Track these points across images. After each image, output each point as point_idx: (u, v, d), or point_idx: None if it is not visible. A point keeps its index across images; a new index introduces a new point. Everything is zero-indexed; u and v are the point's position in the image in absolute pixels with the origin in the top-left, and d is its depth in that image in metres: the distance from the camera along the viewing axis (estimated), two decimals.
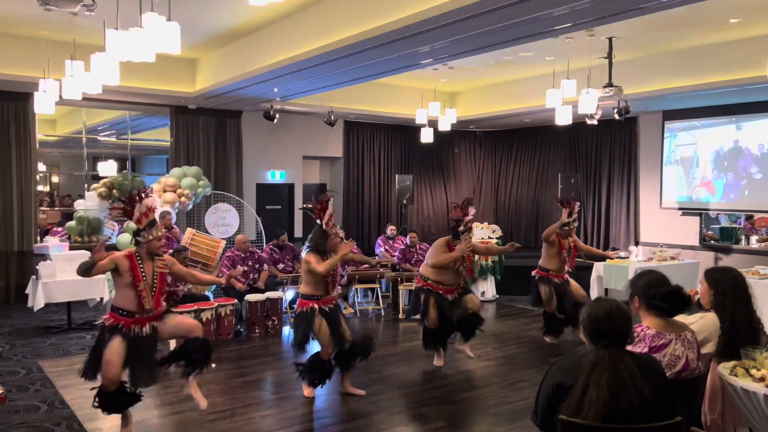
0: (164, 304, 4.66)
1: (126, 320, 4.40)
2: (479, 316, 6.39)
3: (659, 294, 2.90)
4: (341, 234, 5.48)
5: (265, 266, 8.44)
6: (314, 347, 5.47)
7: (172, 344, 5.42)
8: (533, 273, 7.44)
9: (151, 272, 4.51)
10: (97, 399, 4.44)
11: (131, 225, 8.88)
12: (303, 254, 5.33)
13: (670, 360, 2.84)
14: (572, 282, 7.39)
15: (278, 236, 8.96)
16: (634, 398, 2.37)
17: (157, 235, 4.52)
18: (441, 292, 6.18)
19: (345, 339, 5.31)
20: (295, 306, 5.43)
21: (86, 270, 4.29)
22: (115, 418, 4.91)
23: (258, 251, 8.60)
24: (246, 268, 8.17)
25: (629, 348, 2.60)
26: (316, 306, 5.22)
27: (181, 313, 5.43)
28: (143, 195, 4.60)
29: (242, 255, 8.26)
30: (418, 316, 6.34)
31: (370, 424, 4.83)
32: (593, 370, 2.43)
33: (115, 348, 4.31)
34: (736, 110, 10.41)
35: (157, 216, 4.83)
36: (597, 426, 2.36)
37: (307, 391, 5.42)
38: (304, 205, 5.52)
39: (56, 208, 12.59)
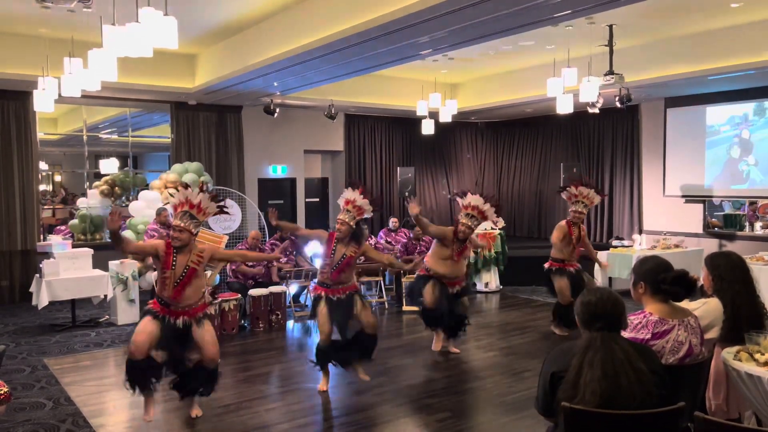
0: (202, 303, 4.65)
1: (162, 308, 4.50)
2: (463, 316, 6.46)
3: (669, 278, 2.89)
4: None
5: (274, 261, 8.45)
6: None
7: None
8: (546, 266, 7.29)
9: (184, 263, 4.50)
10: (126, 374, 4.53)
11: (134, 221, 8.96)
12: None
13: (673, 346, 2.82)
14: (587, 275, 7.25)
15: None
16: (632, 376, 2.39)
17: (179, 225, 4.48)
18: (444, 282, 6.31)
19: (346, 330, 5.34)
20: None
21: (114, 240, 4.37)
22: (121, 414, 4.95)
23: (266, 247, 8.61)
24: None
25: (626, 335, 2.62)
26: (323, 293, 5.35)
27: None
28: (204, 189, 4.58)
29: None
30: (415, 308, 6.38)
31: (374, 416, 4.84)
32: (586, 351, 2.47)
33: (147, 322, 4.47)
34: (738, 96, 10.34)
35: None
36: (600, 413, 2.36)
37: (320, 384, 5.45)
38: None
39: (59, 206, 12.61)
